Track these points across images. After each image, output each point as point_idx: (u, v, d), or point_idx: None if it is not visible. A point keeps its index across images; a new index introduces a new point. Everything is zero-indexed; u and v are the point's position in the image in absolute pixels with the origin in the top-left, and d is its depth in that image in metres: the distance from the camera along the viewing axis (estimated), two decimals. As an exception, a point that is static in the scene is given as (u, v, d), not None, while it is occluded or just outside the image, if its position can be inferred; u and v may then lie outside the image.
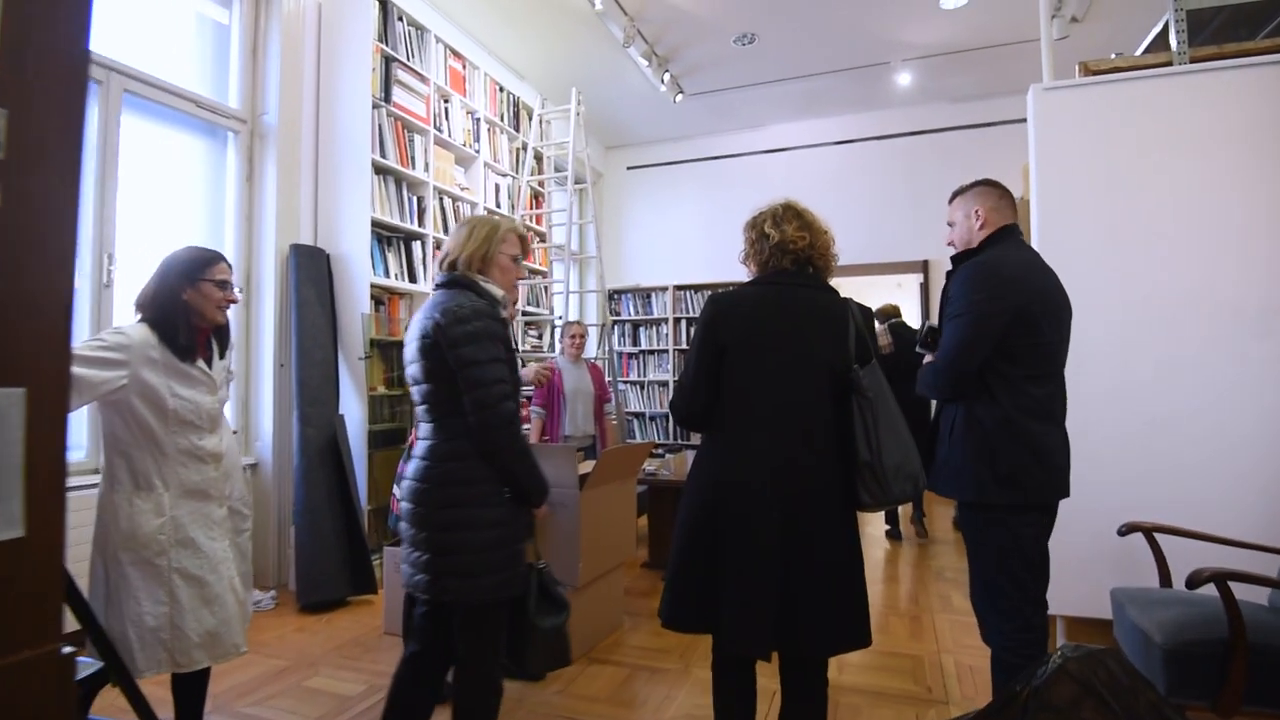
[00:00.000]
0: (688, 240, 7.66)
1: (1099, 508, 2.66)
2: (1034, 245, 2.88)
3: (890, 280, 11.96)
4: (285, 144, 3.83)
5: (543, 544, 2.60)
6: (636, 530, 4.46)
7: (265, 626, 3.15)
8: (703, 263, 7.53)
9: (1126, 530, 2.44)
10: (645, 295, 7.60)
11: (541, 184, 5.53)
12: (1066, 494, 1.87)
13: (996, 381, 1.80)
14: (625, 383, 7.56)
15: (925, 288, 7.00)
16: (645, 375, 7.52)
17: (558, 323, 5.43)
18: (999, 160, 6.64)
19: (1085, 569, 2.69)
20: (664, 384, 7.43)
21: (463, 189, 4.78)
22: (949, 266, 2.04)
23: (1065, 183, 2.84)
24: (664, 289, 7.47)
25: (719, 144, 7.58)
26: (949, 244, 2.09)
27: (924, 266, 6.94)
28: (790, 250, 1.70)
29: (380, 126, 4.05)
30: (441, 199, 4.56)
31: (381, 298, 4.13)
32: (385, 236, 4.14)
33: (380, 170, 4.07)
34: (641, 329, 7.61)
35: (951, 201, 2.09)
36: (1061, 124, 2.85)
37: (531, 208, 5.57)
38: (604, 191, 7.94)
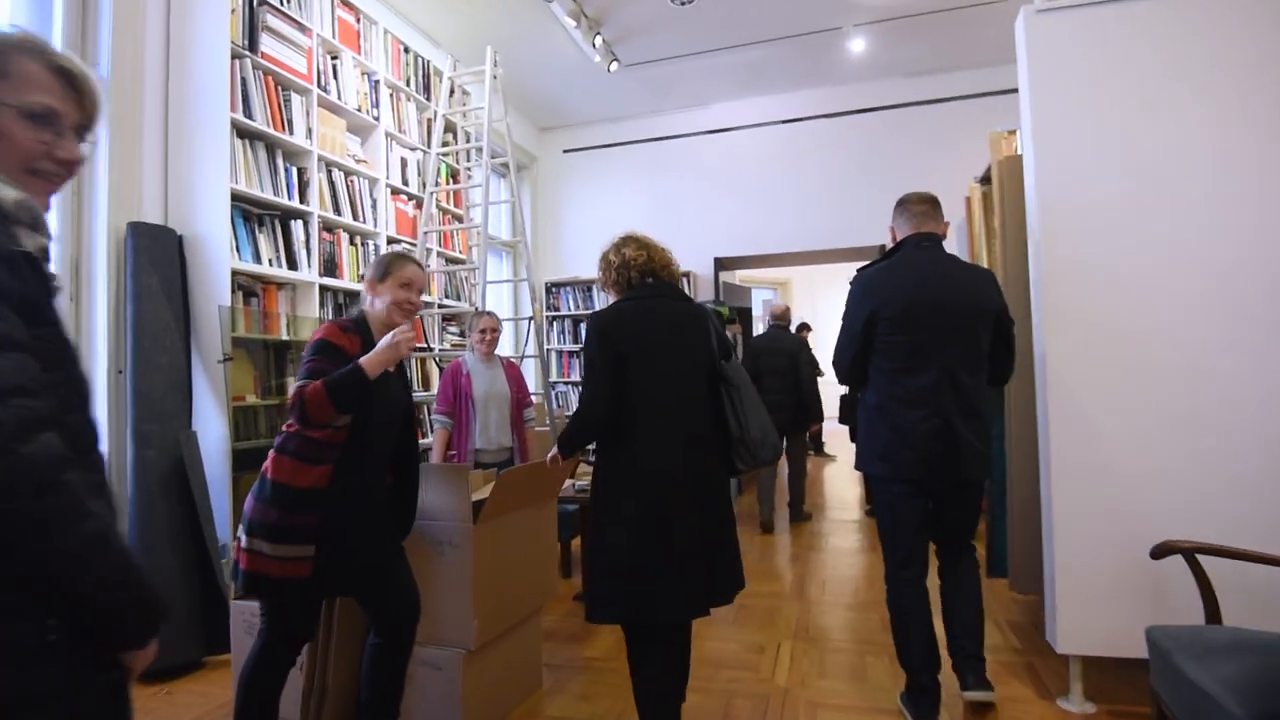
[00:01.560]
0: (631, 226, 6.99)
1: (1119, 525, 2.16)
2: (1032, 204, 2.38)
3: (846, 271, 11.66)
4: (122, 100, 3.09)
5: (425, 596, 1.97)
6: (560, 561, 3.86)
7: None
8: (647, 252, 6.95)
9: (1161, 552, 1.94)
10: (586, 288, 6.99)
11: (458, 159, 4.86)
12: (951, 475, 2.13)
13: (875, 373, 2.21)
14: (566, 383, 6.94)
15: (883, 274, 6.57)
16: (587, 375, 6.90)
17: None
18: (959, 137, 6.25)
19: (1105, 600, 2.18)
20: (607, 384, 6.83)
21: (359, 161, 4.09)
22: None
23: (1066, 125, 2.33)
24: (605, 281, 6.87)
25: (660, 124, 7.02)
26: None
27: (881, 250, 6.50)
28: (633, 267, 1.99)
29: (244, 81, 3.35)
30: (330, 171, 3.86)
31: (253, 288, 3.43)
32: (255, 214, 3.43)
33: (246, 134, 3.37)
34: (582, 325, 6.99)
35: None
36: (1061, 55, 2.34)
37: (450, 184, 4.89)
38: (539, 177, 7.30)
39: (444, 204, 4.94)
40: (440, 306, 4.72)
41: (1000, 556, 3.15)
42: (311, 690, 2.10)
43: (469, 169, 4.70)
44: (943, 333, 2.12)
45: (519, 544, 2.36)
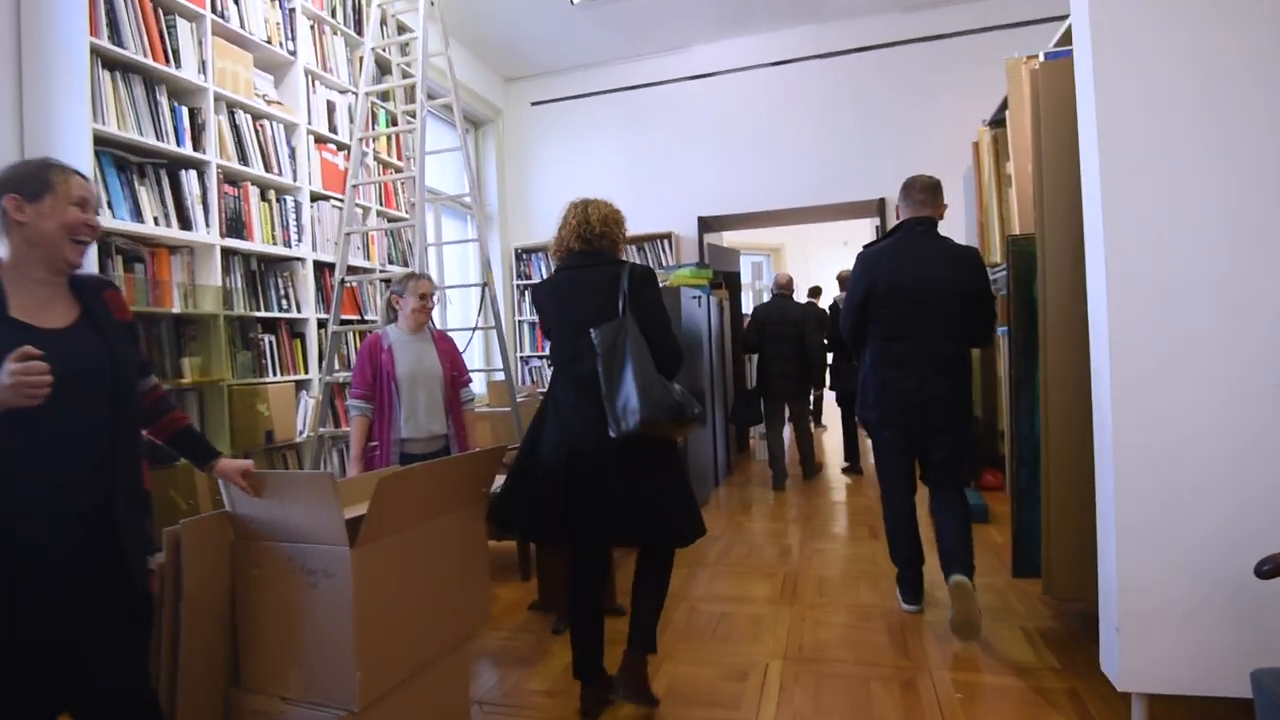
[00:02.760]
0: (607, 186, 6.44)
1: (1205, 531, 1.65)
2: (1089, 108, 1.83)
3: (838, 234, 11.05)
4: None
5: (295, 642, 1.47)
6: (518, 562, 3.37)
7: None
8: (626, 212, 6.33)
9: (1271, 569, 1.43)
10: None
11: (394, 100, 4.25)
12: (925, 424, 2.55)
13: (870, 339, 2.63)
14: (540, 357, 6.40)
15: (883, 230, 5.99)
16: (562, 348, 6.36)
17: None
18: (964, 77, 5.63)
19: (1184, 626, 1.67)
20: (584, 357, 6.29)
21: (271, 103, 3.50)
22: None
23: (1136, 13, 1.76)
24: (579, 245, 6.29)
25: (637, 71, 6.38)
26: None
27: (879, 207, 5.93)
28: (566, 238, 2.11)
29: (110, 0, 2.75)
30: (233, 113, 3.27)
31: (136, 252, 2.86)
32: (134, 163, 2.86)
33: (115, 65, 2.78)
34: (555, 294, 6.43)
35: None
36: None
37: (387, 129, 4.29)
38: (506, 132, 6.67)
39: (386, 156, 4.35)
40: (380, 272, 4.15)
41: (1030, 553, 2.65)
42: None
43: (409, 114, 4.10)
44: (925, 306, 2.51)
45: (428, 563, 1.84)
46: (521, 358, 6.47)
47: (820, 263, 10.81)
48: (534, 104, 6.66)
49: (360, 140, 3.69)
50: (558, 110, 6.60)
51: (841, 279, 5.87)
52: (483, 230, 3.90)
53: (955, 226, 5.95)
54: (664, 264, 6.04)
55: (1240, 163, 1.67)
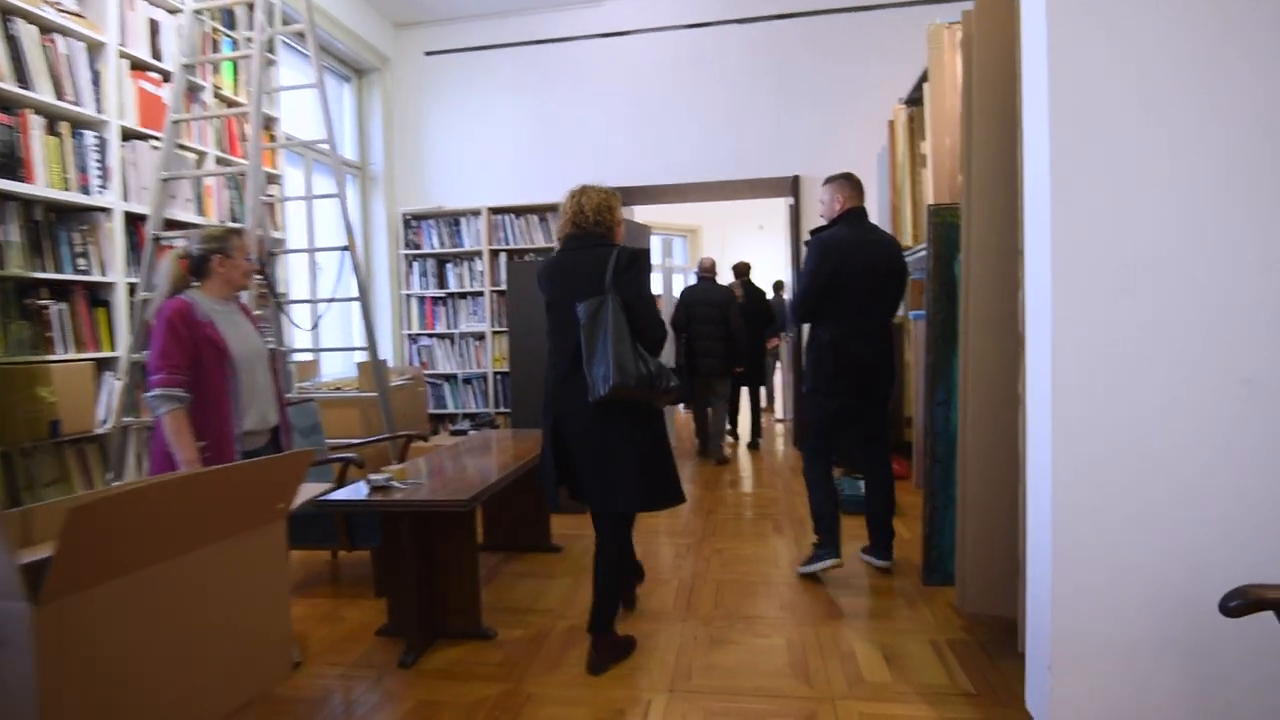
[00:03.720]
0: (509, 150, 5.94)
1: (1159, 555, 1.39)
2: (1040, 132, 1.52)
3: (754, 217, 10.87)
4: None
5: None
6: (289, 615, 2.84)
7: None
8: (528, 179, 5.87)
9: (1241, 605, 1.18)
10: (453, 221, 5.85)
11: (232, 24, 3.58)
12: (877, 389, 2.87)
13: (829, 315, 2.82)
14: (430, 335, 5.84)
15: (796, 210, 5.75)
16: (456, 325, 5.82)
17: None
18: (884, 53, 5.42)
19: (1130, 668, 1.41)
20: (479, 337, 5.77)
21: (66, 13, 2.82)
22: (821, 183, 3.06)
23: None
24: (476, 213, 5.74)
25: (544, 24, 5.85)
26: (821, 215, 3.05)
27: (794, 184, 5.68)
28: (566, 219, 2.26)
29: None
30: (8, 21, 2.59)
31: None
32: None
33: None
34: (449, 265, 5.87)
35: (825, 184, 2.97)
36: None
37: (210, 58, 3.62)
38: (395, 84, 6.01)
39: (236, 96, 3.69)
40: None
41: (942, 560, 2.41)
42: None
43: (249, 39, 3.46)
44: (877, 285, 2.81)
45: (186, 610, 1.36)
46: (409, 335, 5.88)
47: (736, 246, 10.61)
48: (428, 54, 6.02)
49: (184, 67, 3.05)
50: (455, 62, 6.00)
51: (739, 269, 6.10)
52: (343, 185, 3.33)
53: (869, 207, 5.77)
54: (567, 236, 5.58)
55: (1224, 125, 1.39)
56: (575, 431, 2.18)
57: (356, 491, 2.35)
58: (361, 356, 3.88)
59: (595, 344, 2.08)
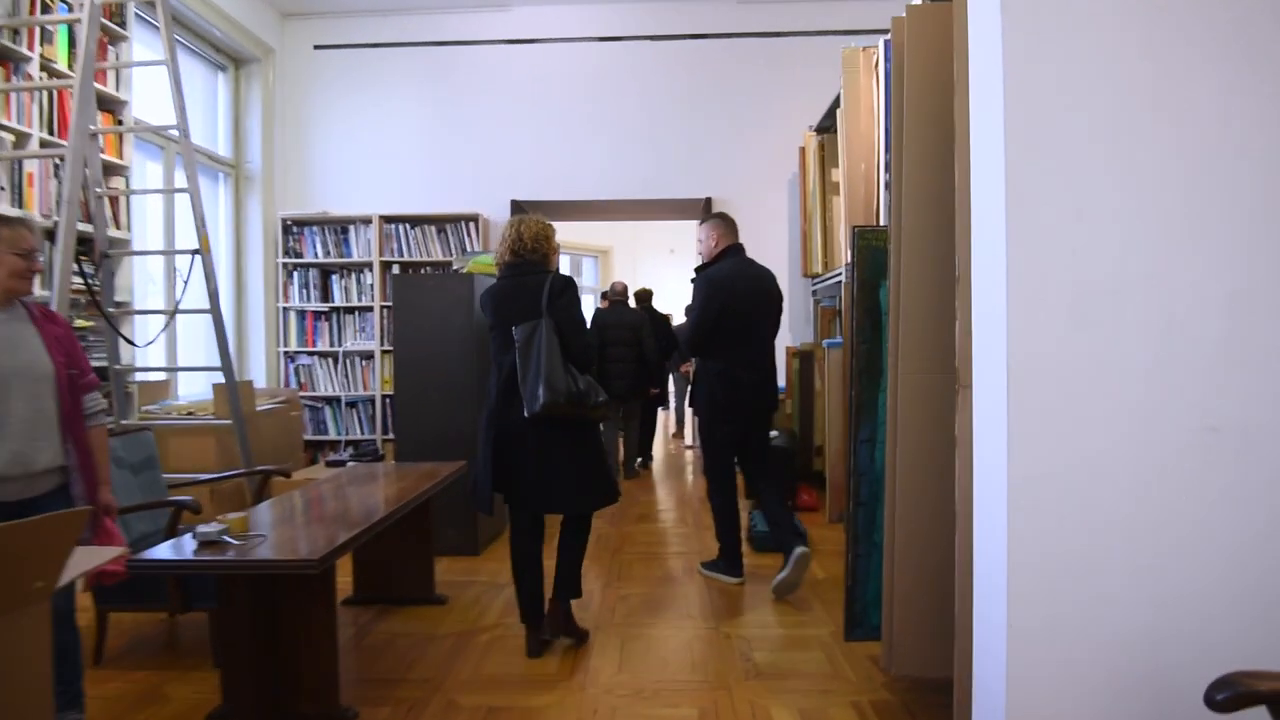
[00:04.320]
0: (405, 155, 5.52)
1: (1104, 634, 1.21)
2: (992, 140, 1.34)
3: (664, 240, 10.78)
4: None
5: None
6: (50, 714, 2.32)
7: None
8: (426, 187, 5.47)
9: (1229, 698, 1.00)
10: (340, 229, 5.35)
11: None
12: (763, 411, 3.13)
13: (719, 347, 2.97)
14: (311, 354, 5.28)
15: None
16: (341, 343, 5.29)
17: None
18: (792, 80, 5.41)
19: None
20: (367, 356, 5.27)
21: None
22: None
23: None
24: (367, 220, 5.28)
25: (447, 24, 5.51)
26: (699, 254, 3.23)
27: (706, 207, 5.54)
28: (505, 247, 2.45)
29: None
30: None
31: None
32: None
33: None
34: (335, 276, 5.35)
35: (700, 224, 3.31)
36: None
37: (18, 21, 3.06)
38: (280, 78, 5.47)
39: (66, 69, 3.13)
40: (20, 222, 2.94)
41: (865, 613, 2.21)
42: None
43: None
44: (758, 315, 3.00)
45: None
46: (286, 353, 5.30)
47: (647, 269, 10.47)
48: (318, 48, 5.54)
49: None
50: (348, 59, 5.54)
51: (640, 296, 6.00)
52: (194, 178, 2.85)
53: (778, 235, 5.77)
54: (468, 249, 5.20)
55: (1187, 155, 1.25)
56: (516, 445, 2.35)
57: (180, 548, 1.90)
58: (218, 377, 3.35)
59: (529, 364, 2.27)
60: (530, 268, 2.39)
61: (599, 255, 11.09)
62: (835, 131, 4.85)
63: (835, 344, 3.95)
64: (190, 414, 3.72)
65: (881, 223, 3.30)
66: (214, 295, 2.86)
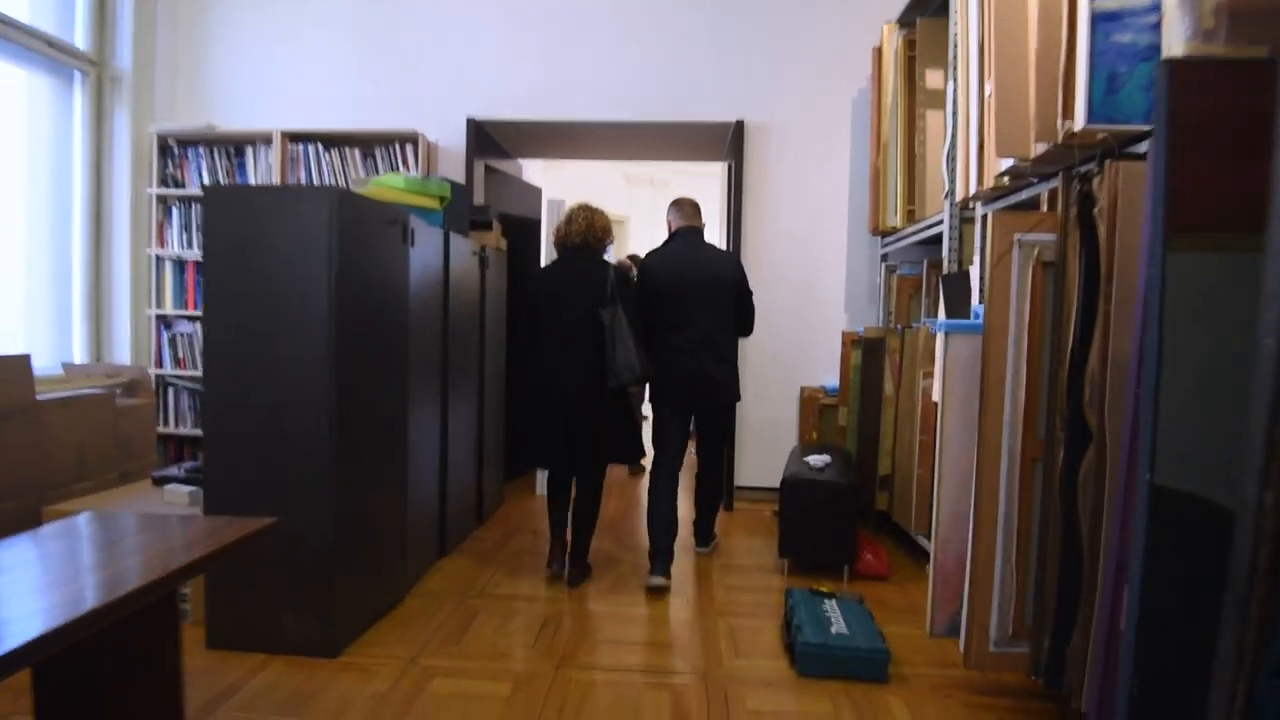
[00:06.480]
0: (323, 52, 4.07)
1: None
2: None
3: (673, 186, 9.11)
4: None
5: None
6: None
7: None
8: (348, 96, 4.04)
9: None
10: (234, 150, 3.93)
11: None
12: (704, 401, 3.01)
13: (657, 329, 2.95)
14: (193, 319, 3.89)
15: (738, 175, 4.06)
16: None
17: None
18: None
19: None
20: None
21: None
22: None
23: None
24: (268, 139, 3.84)
25: (393, -119, 4.03)
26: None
27: (737, 133, 4.02)
28: (576, 231, 2.87)
29: None
30: None
31: None
32: None
33: None
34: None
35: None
36: None
37: None
38: (166, -51, 4.05)
39: None
40: None
41: None
42: None
43: None
44: (699, 301, 2.96)
45: None
46: (159, 316, 3.92)
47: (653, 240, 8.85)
48: (221, -89, 4.10)
49: None
50: (260, -74, 4.10)
51: (629, 262, 5.04)
52: None
53: (835, 175, 4.14)
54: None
55: None
56: (581, 407, 2.76)
57: None
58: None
59: (615, 343, 2.71)
60: (592, 255, 2.87)
61: (616, 226, 9.55)
62: (935, 16, 3.28)
63: (957, 326, 2.24)
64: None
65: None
66: None
